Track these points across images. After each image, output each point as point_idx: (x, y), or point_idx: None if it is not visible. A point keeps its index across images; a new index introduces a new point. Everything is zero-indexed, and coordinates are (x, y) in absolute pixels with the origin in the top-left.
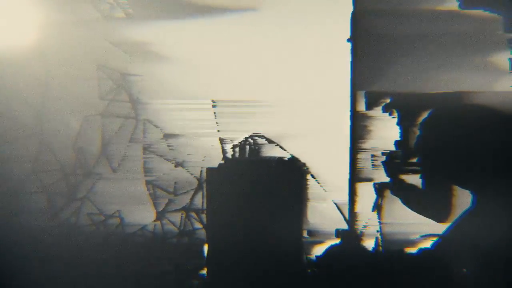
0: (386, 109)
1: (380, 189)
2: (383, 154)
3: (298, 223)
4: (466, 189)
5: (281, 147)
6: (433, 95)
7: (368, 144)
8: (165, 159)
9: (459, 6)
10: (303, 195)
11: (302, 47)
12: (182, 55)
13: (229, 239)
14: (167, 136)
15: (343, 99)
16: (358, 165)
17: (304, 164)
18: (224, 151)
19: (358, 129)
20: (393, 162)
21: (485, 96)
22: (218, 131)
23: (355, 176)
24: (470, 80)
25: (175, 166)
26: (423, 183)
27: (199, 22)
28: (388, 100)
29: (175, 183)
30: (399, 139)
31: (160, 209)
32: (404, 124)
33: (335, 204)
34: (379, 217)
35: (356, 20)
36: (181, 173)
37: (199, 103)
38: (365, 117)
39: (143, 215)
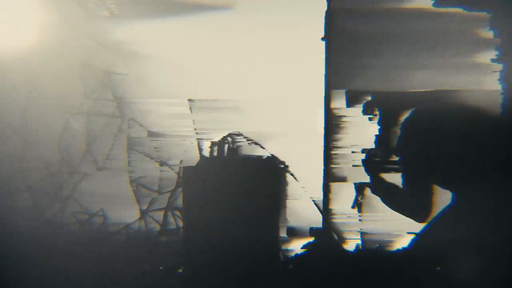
0: (366, 107)
1: (360, 187)
2: (362, 152)
3: (276, 222)
4: (446, 188)
5: (259, 145)
6: (415, 94)
7: (343, 142)
8: (149, 157)
9: (434, 4)
10: (281, 193)
11: (277, 45)
12: (165, 54)
13: (205, 238)
14: (152, 134)
15: (320, 97)
16: (332, 164)
17: (282, 163)
18: (201, 150)
19: (332, 127)
20: (373, 161)
21: (465, 95)
22: (195, 129)
23: (329, 175)
24: (448, 79)
25: (160, 165)
26: (403, 182)
27: (182, 21)
28: (369, 99)
29: (160, 181)
30: (379, 137)
31: (144, 207)
32: (385, 122)
33: (314, 202)
34: (359, 214)
35: (330, 18)
36: (166, 171)
37: (181, 102)
38: (340, 115)
39: (128, 214)
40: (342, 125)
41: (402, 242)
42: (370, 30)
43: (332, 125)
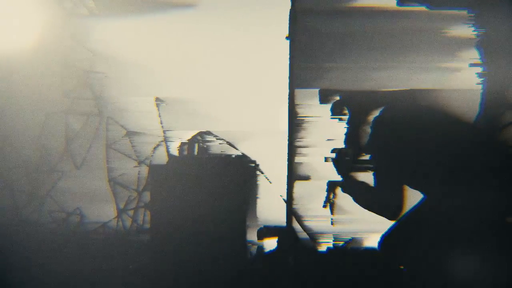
0: (335, 107)
1: (331, 186)
2: (332, 151)
3: (245, 221)
4: (415, 188)
5: (230, 144)
6: (384, 93)
7: (307, 140)
8: (128, 156)
9: (398, 3)
10: (252, 192)
11: (241, 44)
12: (139, 53)
13: (172, 238)
14: (130, 133)
15: (284, 96)
16: (296, 162)
17: (253, 162)
18: (168, 149)
19: (296, 126)
20: (343, 160)
21: (435, 94)
22: (162, 127)
23: (293, 173)
24: (416, 78)
25: (138, 163)
26: (374, 180)
27: (160, 19)
28: (337, 99)
29: (138, 180)
30: (349, 136)
31: (122, 206)
32: (354, 121)
33: (284, 201)
34: (330, 213)
35: (294, 17)
36: (144, 170)
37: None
38: (303, 114)
39: (105, 212)
40: (306, 124)
41: (370, 241)
42: (335, 30)
43: (296, 123)
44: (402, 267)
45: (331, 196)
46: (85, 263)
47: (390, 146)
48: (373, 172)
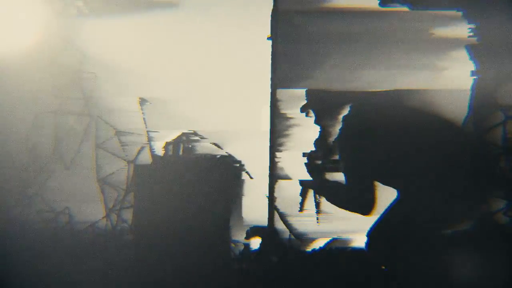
0: (302, 109)
1: (304, 189)
2: (304, 155)
3: (229, 220)
4: (387, 185)
5: (216, 144)
6: (350, 93)
7: (289, 140)
8: (117, 156)
9: (379, 4)
10: (237, 192)
11: (224, 44)
12: (131, 53)
13: (155, 238)
14: (119, 133)
15: (266, 96)
16: (277, 162)
17: (238, 161)
18: (152, 149)
19: (278, 126)
20: (314, 163)
21: (420, 94)
22: (146, 127)
23: (275, 173)
24: (400, 78)
25: (127, 163)
26: (345, 179)
27: (149, 19)
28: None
29: (127, 180)
30: (317, 139)
31: (111, 206)
32: (320, 123)
33: (269, 200)
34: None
35: (276, 18)
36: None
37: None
38: (286, 114)
39: (94, 212)
40: (288, 123)
41: (354, 241)
42: (317, 30)
43: (278, 123)
44: (383, 267)
45: (305, 198)
46: (73, 262)
47: (357, 144)
48: (343, 170)
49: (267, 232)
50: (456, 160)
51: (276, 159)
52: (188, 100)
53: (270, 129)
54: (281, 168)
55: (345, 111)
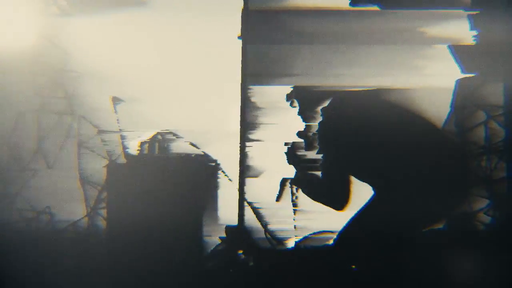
0: (287, 98)
1: (283, 181)
2: (285, 144)
3: (202, 219)
4: (363, 181)
5: (192, 144)
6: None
7: (259, 137)
8: (99, 155)
9: (350, 3)
10: (212, 190)
11: (194, 43)
12: (113, 51)
13: (129, 237)
14: (101, 132)
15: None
16: (248, 160)
17: (214, 160)
18: (125, 148)
19: (248, 123)
20: (294, 152)
21: (388, 93)
22: (119, 126)
23: (244, 171)
24: (368, 77)
25: (109, 162)
26: (322, 172)
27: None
28: (291, 90)
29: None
30: (300, 130)
31: (92, 204)
32: (304, 115)
33: (246, 199)
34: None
35: (246, 17)
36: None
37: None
38: (257, 112)
39: (76, 211)
40: (258, 121)
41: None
42: (288, 29)
43: (248, 121)
44: (353, 266)
45: (283, 190)
46: (54, 261)
47: (335, 138)
48: (321, 163)
49: (236, 230)
50: (436, 159)
51: (247, 156)
52: (163, 99)
53: (240, 128)
54: (252, 165)
55: (325, 104)
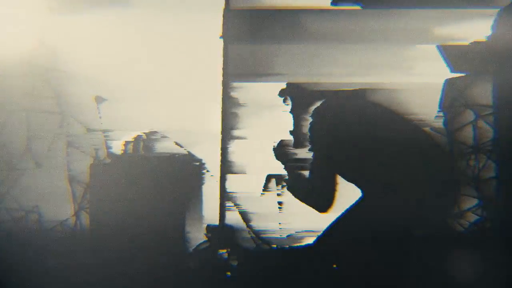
0: (280, 94)
1: (268, 178)
2: (275, 142)
3: (186, 219)
4: (351, 182)
5: (178, 144)
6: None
7: (240, 135)
8: (88, 154)
9: (331, 3)
10: (196, 190)
11: (176, 42)
12: (102, 50)
13: (112, 236)
14: (90, 131)
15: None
16: (229, 158)
17: (198, 160)
18: (108, 148)
19: (230, 122)
20: (283, 149)
21: (388, 92)
22: (102, 126)
23: (225, 168)
24: (352, 77)
25: (98, 162)
26: (309, 171)
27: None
28: (284, 86)
29: None
30: (292, 126)
31: (78, 203)
32: (295, 112)
33: (228, 198)
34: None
35: (228, 17)
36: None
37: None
38: (239, 110)
39: (64, 210)
40: (239, 120)
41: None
42: (269, 29)
43: (229, 119)
44: (335, 266)
45: (270, 185)
46: (42, 260)
47: (325, 138)
48: (310, 162)
49: (217, 229)
50: (425, 160)
51: (228, 153)
52: (148, 99)
53: (221, 127)
54: (235, 162)
55: (318, 104)
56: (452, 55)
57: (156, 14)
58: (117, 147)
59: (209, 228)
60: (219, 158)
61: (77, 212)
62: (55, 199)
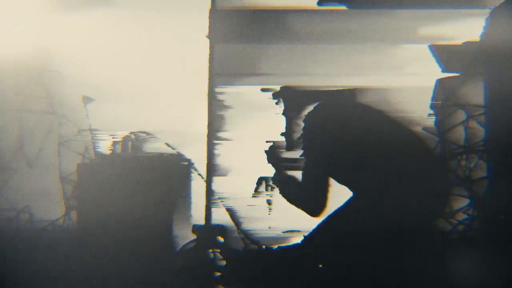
0: (273, 96)
1: (260, 180)
2: (267, 142)
3: (174, 218)
4: (344, 184)
5: (167, 144)
6: (325, 92)
7: (226, 136)
8: (80, 154)
9: (318, 3)
10: (185, 190)
11: (162, 42)
12: (94, 50)
13: (99, 238)
14: (82, 131)
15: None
16: (214, 159)
17: (187, 160)
18: (95, 147)
19: (215, 123)
20: (275, 151)
21: (378, 93)
22: (90, 126)
23: (211, 170)
24: (339, 77)
25: (89, 161)
26: (302, 175)
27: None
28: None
29: None
30: (284, 129)
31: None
32: (288, 114)
33: (217, 198)
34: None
35: (214, 17)
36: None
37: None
38: (223, 112)
39: (56, 210)
40: (225, 121)
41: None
42: (255, 29)
43: (215, 120)
44: (320, 265)
45: (260, 188)
46: (34, 260)
47: (317, 140)
48: (303, 165)
49: (203, 229)
50: (416, 160)
51: (214, 154)
52: (137, 99)
53: (208, 127)
54: (224, 164)
55: (311, 107)
56: (444, 55)
57: (143, 15)
58: (106, 147)
59: (195, 227)
60: (205, 159)
61: (67, 212)
62: (47, 199)
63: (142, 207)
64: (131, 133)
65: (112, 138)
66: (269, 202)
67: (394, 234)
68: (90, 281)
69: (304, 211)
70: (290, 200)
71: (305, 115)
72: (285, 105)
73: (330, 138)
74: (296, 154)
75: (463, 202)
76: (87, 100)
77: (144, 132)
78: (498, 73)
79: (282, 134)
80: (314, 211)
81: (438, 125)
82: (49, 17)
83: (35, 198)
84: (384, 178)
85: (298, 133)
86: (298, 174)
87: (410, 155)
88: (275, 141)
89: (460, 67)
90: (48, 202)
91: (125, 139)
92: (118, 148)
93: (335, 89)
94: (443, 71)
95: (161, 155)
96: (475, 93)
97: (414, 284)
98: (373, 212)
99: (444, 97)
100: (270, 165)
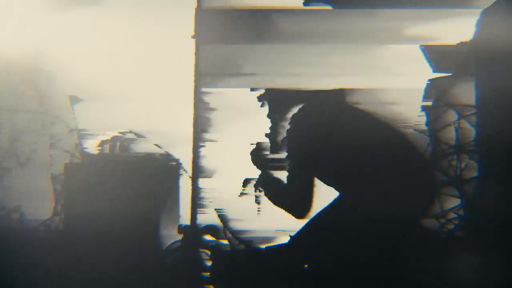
0: (258, 99)
1: (245, 181)
2: (252, 144)
3: (161, 219)
4: (330, 185)
5: (156, 144)
6: (309, 92)
7: (212, 137)
8: (71, 154)
9: (303, 3)
10: (173, 190)
11: (148, 42)
12: (86, 49)
13: (87, 238)
14: (74, 131)
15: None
16: (200, 161)
17: (175, 160)
18: (82, 147)
19: (202, 124)
20: (260, 153)
21: (369, 93)
22: (77, 126)
23: (197, 171)
24: (329, 78)
25: (81, 161)
26: (287, 177)
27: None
28: (262, 92)
29: None
30: (268, 131)
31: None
32: (272, 116)
33: (203, 198)
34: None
35: (199, 17)
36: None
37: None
38: (208, 113)
39: (47, 210)
40: (210, 122)
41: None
42: (241, 29)
43: (200, 121)
44: (306, 266)
45: (247, 189)
46: (25, 259)
47: (304, 142)
48: (287, 168)
49: (189, 229)
50: (405, 161)
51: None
52: (125, 99)
53: (193, 127)
54: (206, 164)
55: (297, 109)
56: (435, 55)
57: (131, 15)
58: (94, 147)
59: (181, 227)
60: (190, 159)
61: (58, 211)
62: (38, 199)
63: (130, 207)
64: (120, 133)
65: (101, 138)
66: (257, 202)
67: (380, 234)
68: (79, 280)
69: (290, 212)
70: (276, 201)
71: (291, 117)
72: (269, 107)
73: (315, 139)
74: (281, 155)
75: (454, 202)
76: (74, 100)
77: (132, 132)
78: (489, 73)
79: (267, 135)
80: (299, 213)
81: (429, 125)
82: (41, 16)
83: (26, 197)
84: (370, 179)
85: (282, 135)
86: (283, 175)
87: (396, 155)
88: (260, 143)
89: (452, 67)
90: (39, 202)
91: (114, 139)
92: (106, 148)
93: (321, 89)
94: (434, 71)
95: (149, 155)
96: (467, 93)
97: (400, 283)
98: (359, 212)
99: (435, 97)
100: (255, 166)
